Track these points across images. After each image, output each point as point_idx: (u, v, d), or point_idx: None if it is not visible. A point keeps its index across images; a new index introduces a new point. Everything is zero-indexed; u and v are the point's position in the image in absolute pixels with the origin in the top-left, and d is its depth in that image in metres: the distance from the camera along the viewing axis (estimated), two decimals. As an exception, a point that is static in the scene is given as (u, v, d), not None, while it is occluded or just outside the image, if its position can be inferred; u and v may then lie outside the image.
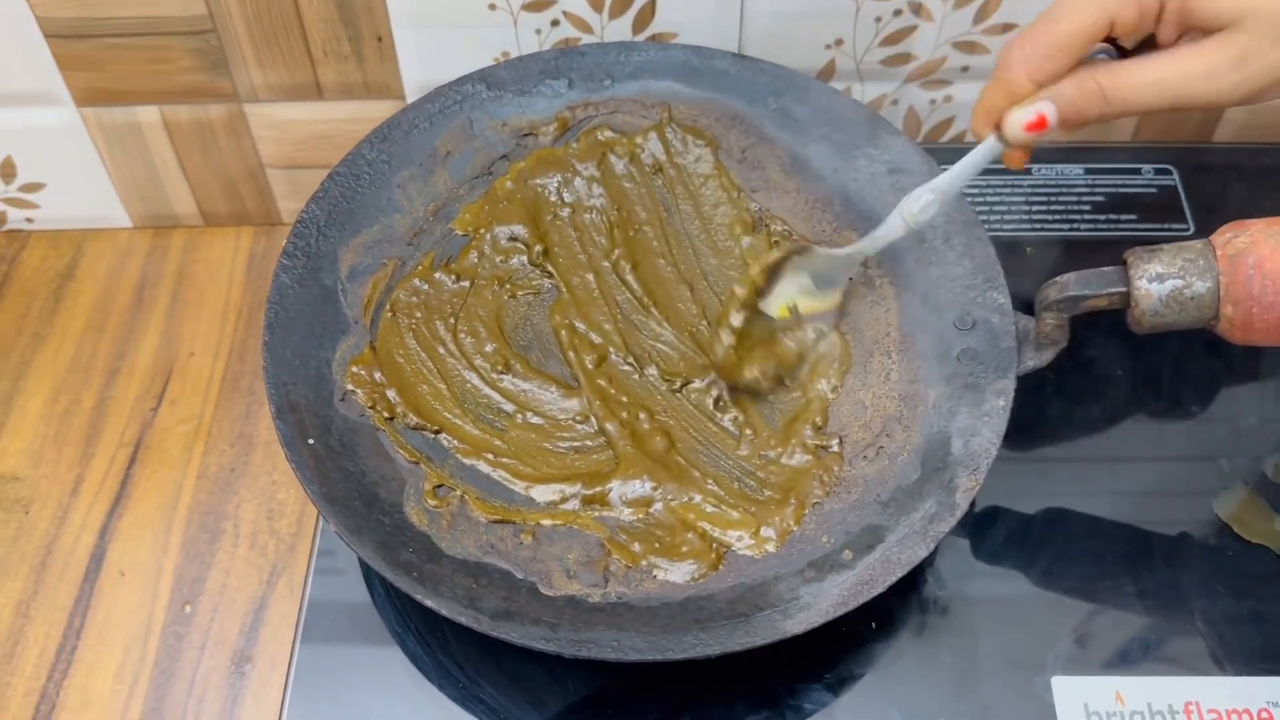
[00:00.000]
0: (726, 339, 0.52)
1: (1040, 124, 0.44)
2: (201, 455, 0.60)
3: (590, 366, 0.55)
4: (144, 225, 0.70)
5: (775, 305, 0.53)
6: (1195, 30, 0.43)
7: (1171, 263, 0.47)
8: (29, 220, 0.69)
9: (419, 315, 0.56)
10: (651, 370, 0.55)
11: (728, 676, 0.49)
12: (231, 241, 0.69)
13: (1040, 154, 0.67)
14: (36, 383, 0.63)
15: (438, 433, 0.53)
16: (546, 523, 0.50)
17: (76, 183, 0.67)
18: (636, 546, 0.50)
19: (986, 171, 0.65)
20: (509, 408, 0.54)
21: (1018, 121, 0.45)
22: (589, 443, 0.53)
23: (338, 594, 0.52)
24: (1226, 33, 0.42)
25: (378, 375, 0.53)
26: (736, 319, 0.52)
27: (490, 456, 0.52)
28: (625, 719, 0.49)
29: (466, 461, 0.52)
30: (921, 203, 0.50)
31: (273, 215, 0.70)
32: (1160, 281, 0.47)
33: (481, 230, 0.58)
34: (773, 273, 0.53)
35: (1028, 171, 0.66)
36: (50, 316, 0.66)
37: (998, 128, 0.46)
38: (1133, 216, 0.64)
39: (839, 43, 0.63)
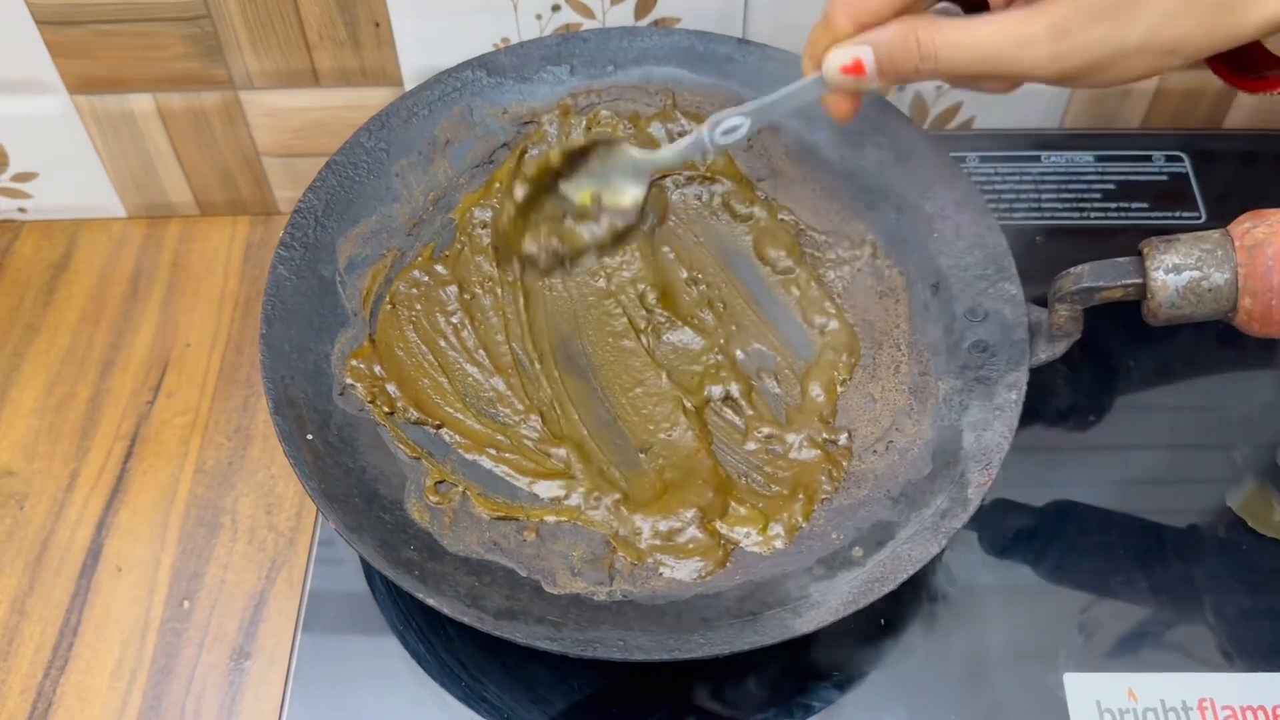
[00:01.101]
0: (509, 207, 0.50)
1: (856, 68, 0.43)
2: (199, 449, 0.59)
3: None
4: (139, 215, 0.69)
5: (577, 191, 0.50)
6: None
7: (1188, 253, 0.46)
8: (22, 210, 0.69)
9: (419, 307, 0.55)
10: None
11: (735, 673, 0.48)
12: (228, 231, 0.68)
13: (1050, 141, 0.66)
14: (30, 375, 0.62)
15: (439, 427, 0.52)
16: (550, 519, 0.50)
17: (70, 172, 0.66)
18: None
19: (996, 159, 0.65)
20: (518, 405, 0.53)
21: (834, 62, 0.44)
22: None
23: (338, 587, 0.52)
24: (1047, 2, 0.41)
25: (377, 369, 0.53)
26: (520, 191, 0.49)
27: (493, 452, 0.52)
28: (630, 718, 0.48)
29: (468, 457, 0.52)
30: (728, 124, 0.47)
31: (269, 204, 0.69)
32: (1177, 273, 0.46)
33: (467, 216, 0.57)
34: (577, 159, 0.50)
35: (1037, 159, 0.65)
36: (44, 308, 0.65)
37: (819, 63, 0.45)
38: (1144, 204, 0.64)
39: (845, 27, 0.62)
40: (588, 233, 0.50)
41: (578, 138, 0.52)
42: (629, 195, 0.50)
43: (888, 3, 0.43)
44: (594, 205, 0.50)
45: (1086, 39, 0.41)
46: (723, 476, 0.51)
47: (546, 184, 0.50)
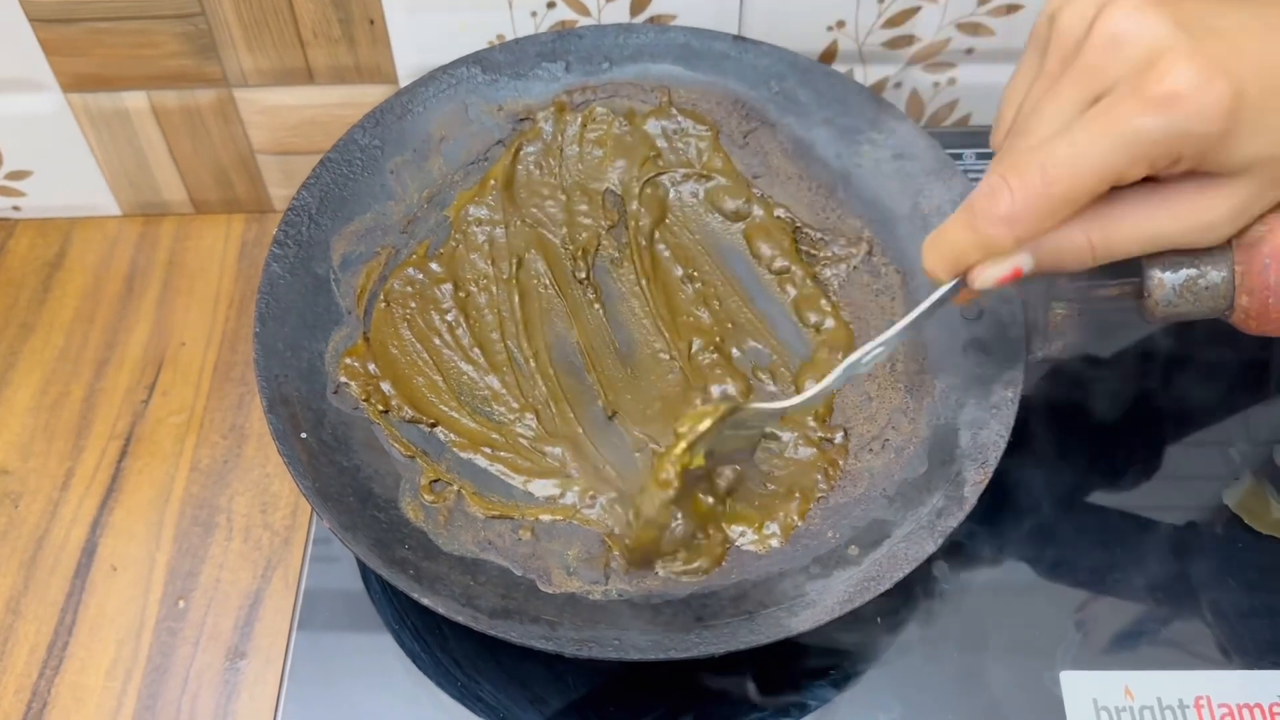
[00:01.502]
0: (648, 531, 0.46)
1: (1015, 277, 0.40)
2: (194, 447, 0.59)
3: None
4: (133, 213, 0.69)
5: (693, 456, 0.45)
6: (1200, 173, 0.40)
7: (1185, 251, 0.46)
8: (16, 208, 0.68)
9: (414, 305, 0.55)
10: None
11: (731, 672, 0.48)
12: (222, 229, 0.68)
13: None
14: (25, 374, 0.62)
15: (434, 426, 0.52)
16: (546, 518, 0.50)
17: (64, 170, 0.66)
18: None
19: (991, 157, 0.65)
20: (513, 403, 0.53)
21: (992, 276, 0.40)
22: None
23: (333, 586, 0.52)
24: (1232, 181, 0.40)
25: (372, 367, 0.52)
26: (663, 514, 0.45)
27: (488, 450, 0.51)
28: (627, 716, 0.48)
29: (463, 455, 0.51)
30: (870, 357, 0.45)
31: (264, 202, 0.69)
32: (1174, 270, 0.46)
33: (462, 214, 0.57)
34: (701, 441, 0.45)
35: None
36: (38, 306, 0.65)
37: (959, 275, 0.41)
38: (1141, 201, 0.63)
39: (841, 24, 0.62)
40: (708, 495, 0.49)
41: (702, 425, 0.44)
42: (747, 439, 0.48)
43: (1063, 221, 0.39)
44: (709, 460, 0.46)
45: (1263, 205, 0.40)
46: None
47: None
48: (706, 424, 0.44)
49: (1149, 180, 0.40)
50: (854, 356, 0.44)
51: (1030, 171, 0.38)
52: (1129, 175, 0.39)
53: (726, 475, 0.49)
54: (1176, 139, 0.37)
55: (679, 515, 0.47)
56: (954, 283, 0.42)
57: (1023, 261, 0.40)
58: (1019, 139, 0.41)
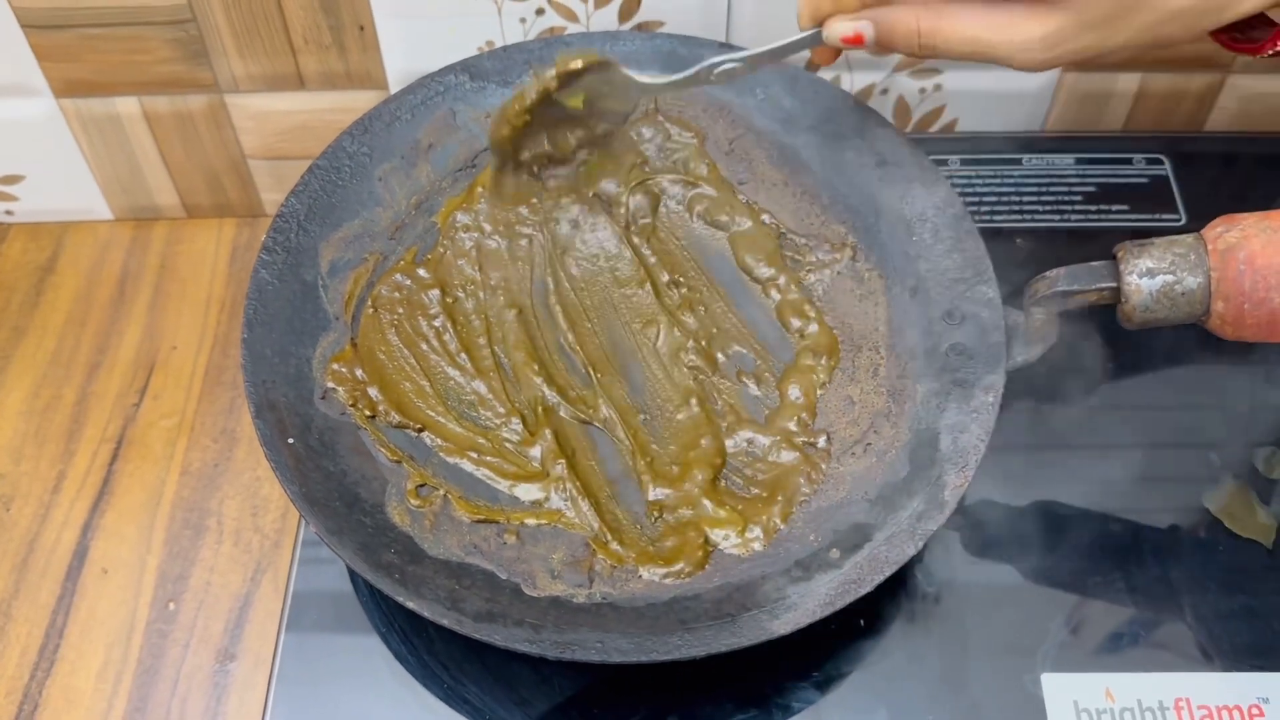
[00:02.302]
0: (509, 117, 0.53)
1: (856, 39, 0.46)
2: (184, 451, 0.59)
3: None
4: (125, 217, 0.69)
5: (570, 97, 0.53)
6: None
7: (1162, 257, 0.46)
8: (8, 213, 0.69)
9: (401, 311, 0.55)
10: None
11: (715, 675, 0.48)
12: (214, 233, 0.69)
13: (1031, 144, 0.67)
14: (17, 377, 0.62)
15: (420, 431, 0.52)
16: (531, 522, 0.50)
17: (56, 175, 0.66)
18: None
19: (977, 163, 0.66)
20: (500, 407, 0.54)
21: (836, 31, 0.47)
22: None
23: (322, 589, 0.52)
24: (1054, 9, 0.43)
25: (359, 372, 0.53)
26: (518, 117, 0.53)
27: (474, 455, 0.52)
28: (611, 719, 0.48)
29: (450, 460, 0.52)
30: (725, 67, 0.50)
31: (255, 207, 0.69)
32: (1151, 277, 0.46)
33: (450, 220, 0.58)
34: (573, 78, 0.53)
35: (1018, 162, 0.66)
36: (30, 310, 0.65)
37: (819, 22, 0.47)
38: (1124, 207, 0.64)
39: (828, 31, 0.62)
40: (573, 136, 0.55)
41: (573, 61, 0.52)
42: (618, 103, 0.54)
43: None
44: (585, 108, 0.54)
45: (1077, 44, 0.44)
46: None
47: (544, 99, 0.53)
48: (577, 63, 0.52)
49: None
50: (715, 59, 0.50)
51: None
52: None
53: (596, 125, 0.56)
54: None
55: (545, 140, 0.55)
56: (812, 31, 0.48)
57: (864, 28, 0.46)
58: None
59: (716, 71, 0.50)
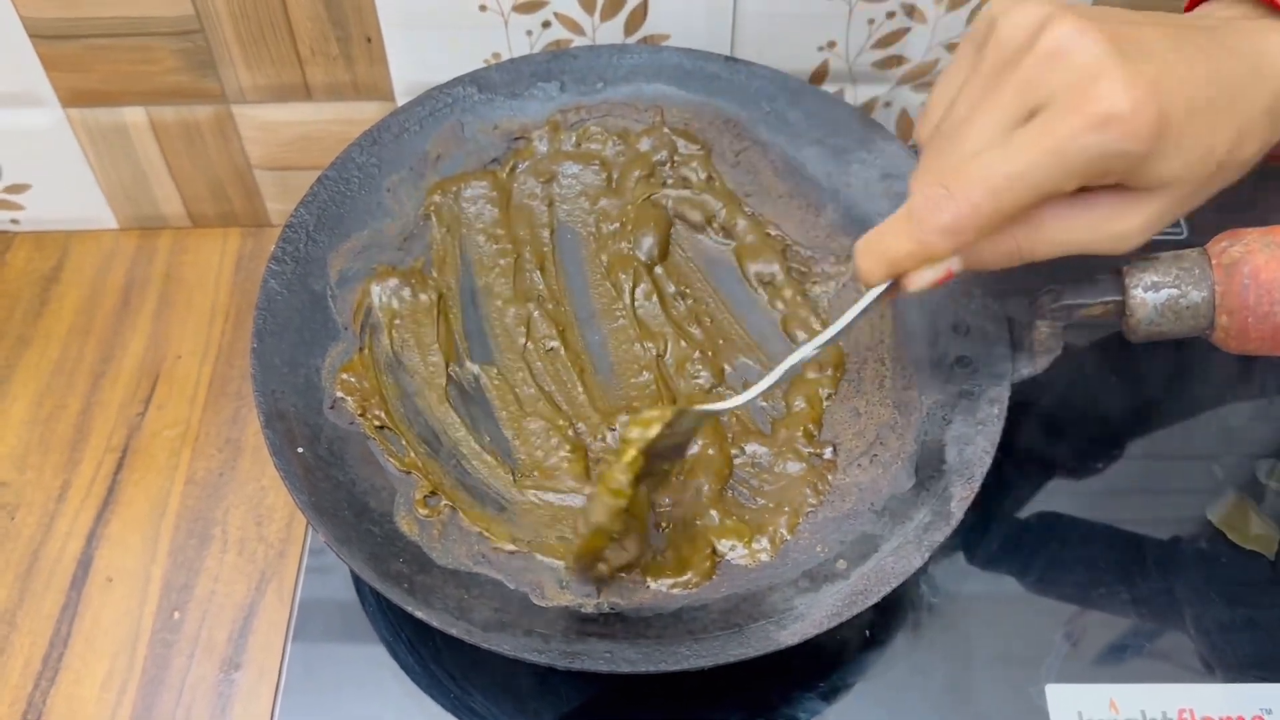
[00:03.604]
0: (595, 540, 0.46)
1: (947, 279, 0.42)
2: (189, 460, 0.59)
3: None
4: (130, 226, 0.69)
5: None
6: (1120, 187, 0.41)
7: (1167, 272, 0.47)
8: (14, 221, 0.69)
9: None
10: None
11: (721, 684, 0.48)
12: (219, 243, 0.69)
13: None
14: (21, 386, 0.62)
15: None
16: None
17: (62, 184, 0.67)
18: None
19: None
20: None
21: (927, 280, 0.42)
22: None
23: (328, 598, 0.52)
24: (1150, 196, 0.41)
25: (368, 382, 0.53)
26: (613, 521, 0.45)
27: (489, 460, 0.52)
28: (618, 729, 0.48)
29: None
30: (800, 359, 0.46)
31: (261, 217, 0.69)
32: (1155, 290, 0.47)
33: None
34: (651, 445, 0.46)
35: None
36: (35, 319, 0.65)
37: (892, 278, 0.43)
38: (1126, 220, 0.64)
39: (832, 45, 0.63)
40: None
41: (651, 431, 0.45)
42: (683, 437, 0.48)
43: (998, 230, 0.41)
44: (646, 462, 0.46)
45: (1175, 217, 0.42)
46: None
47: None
48: (655, 430, 0.45)
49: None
50: (789, 361, 0.45)
51: (973, 185, 0.40)
52: (1063, 189, 0.40)
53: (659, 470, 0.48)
54: (1111, 157, 0.39)
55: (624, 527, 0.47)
56: (887, 285, 0.43)
57: (954, 264, 0.42)
58: (950, 142, 0.41)
59: (796, 369, 0.46)
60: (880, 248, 0.42)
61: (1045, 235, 0.42)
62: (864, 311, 0.44)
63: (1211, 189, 0.42)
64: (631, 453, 0.44)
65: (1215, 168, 0.41)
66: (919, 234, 0.41)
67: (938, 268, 0.41)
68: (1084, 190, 0.41)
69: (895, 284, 0.43)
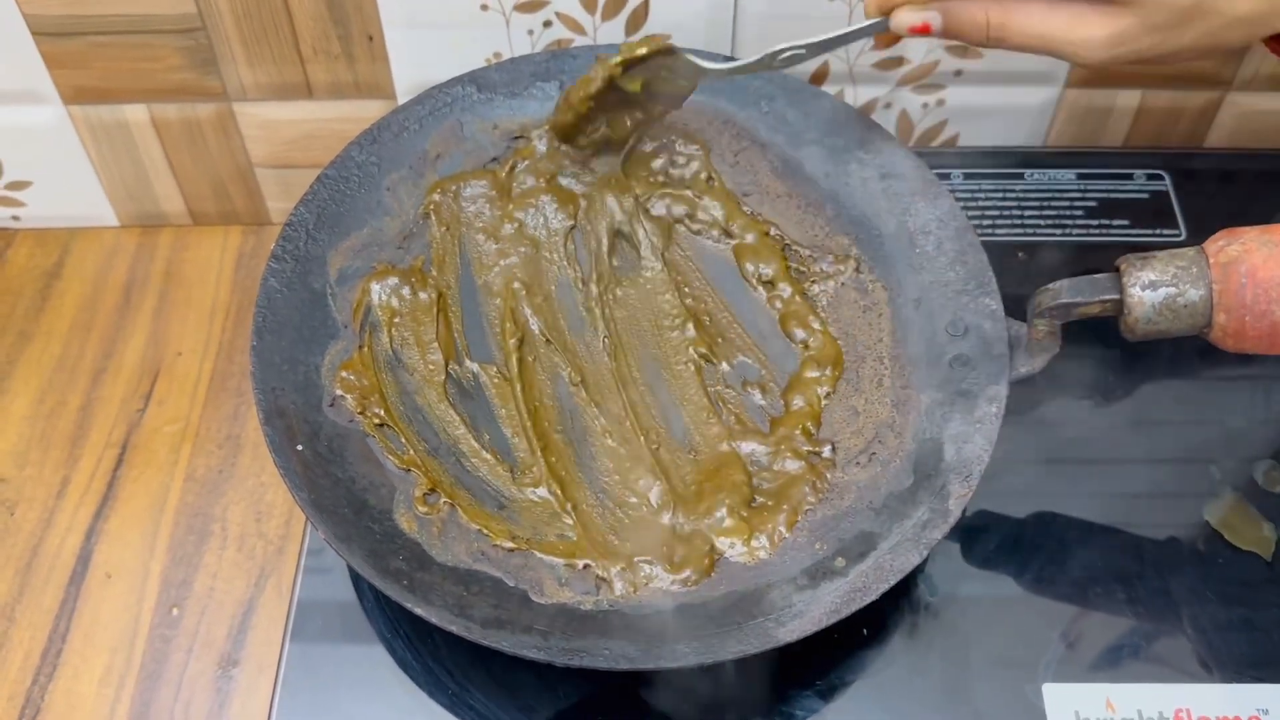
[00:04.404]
0: (566, 113, 0.56)
1: (924, 29, 0.47)
2: (189, 457, 0.59)
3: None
4: (131, 224, 0.69)
5: (630, 82, 0.55)
6: None
7: (1164, 270, 0.47)
8: (15, 218, 0.69)
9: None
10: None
11: (719, 682, 0.48)
12: (220, 240, 0.69)
13: (1032, 159, 0.67)
14: (22, 383, 0.62)
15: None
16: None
17: (64, 181, 0.67)
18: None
19: (980, 177, 0.66)
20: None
21: (904, 20, 0.47)
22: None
23: (326, 595, 0.52)
24: (1121, 9, 0.45)
25: (367, 380, 0.53)
26: (583, 103, 0.55)
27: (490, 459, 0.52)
28: (616, 726, 0.49)
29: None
30: (789, 53, 0.51)
31: (261, 215, 0.69)
32: (1153, 289, 0.47)
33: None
34: (636, 64, 0.54)
35: (1020, 176, 0.66)
36: (36, 315, 0.65)
37: (886, 12, 0.48)
38: (1125, 221, 0.64)
39: (832, 45, 0.63)
40: (630, 118, 0.57)
41: (637, 49, 0.53)
42: (677, 86, 0.55)
43: None
44: (643, 92, 0.55)
45: (1139, 45, 0.45)
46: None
47: (609, 86, 0.54)
48: (642, 50, 0.53)
49: None
50: (779, 46, 0.51)
51: None
52: None
53: (654, 112, 0.57)
54: None
55: (604, 123, 0.57)
56: (878, 20, 0.49)
57: (932, 18, 0.47)
58: None
59: (780, 58, 0.51)
60: None
61: (1017, 18, 0.46)
62: (855, 34, 0.50)
63: (1184, 36, 0.45)
64: (617, 58, 0.53)
65: (1191, 3, 0.44)
66: None
67: (918, 13, 0.47)
68: None
69: (885, 30, 0.49)
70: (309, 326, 0.53)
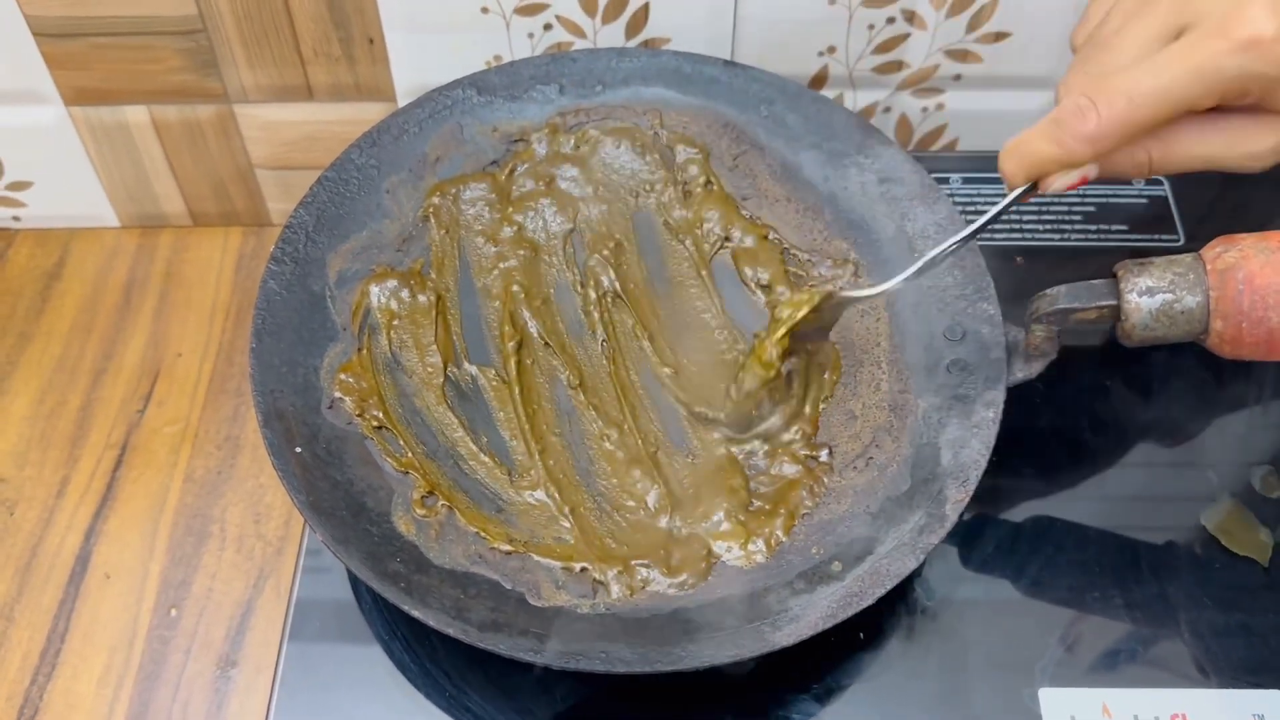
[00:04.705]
0: (748, 403, 0.52)
1: (1082, 183, 0.45)
2: (188, 458, 0.60)
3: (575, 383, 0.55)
4: (132, 225, 0.70)
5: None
6: (1256, 108, 0.44)
7: (1161, 276, 0.47)
8: (16, 219, 0.69)
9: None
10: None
11: (716, 686, 0.49)
12: (220, 241, 0.69)
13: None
14: (22, 383, 0.63)
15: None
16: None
17: (64, 182, 0.67)
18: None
19: (978, 181, 0.66)
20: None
21: (1064, 183, 0.45)
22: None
23: (325, 597, 0.52)
24: (1275, 117, 0.43)
25: (365, 383, 0.53)
26: (753, 384, 0.52)
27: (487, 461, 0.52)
28: (612, 729, 0.49)
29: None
30: (951, 251, 0.49)
31: (262, 216, 0.69)
32: (1150, 295, 0.47)
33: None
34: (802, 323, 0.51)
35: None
36: (37, 316, 0.65)
37: (1033, 180, 0.45)
38: (1123, 227, 0.64)
39: (831, 50, 0.63)
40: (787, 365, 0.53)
41: (801, 311, 0.50)
42: (828, 320, 0.53)
43: (1137, 140, 0.44)
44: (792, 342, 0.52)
45: None
46: None
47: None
48: (804, 311, 0.50)
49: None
50: (934, 251, 0.49)
51: (1117, 97, 0.42)
52: (1201, 105, 0.43)
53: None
54: (1251, 79, 0.41)
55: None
56: (1026, 187, 0.46)
57: (1090, 171, 0.44)
58: (1100, 51, 0.45)
59: (943, 261, 0.49)
60: (1024, 151, 0.45)
61: (1179, 149, 0.44)
62: (1006, 209, 0.47)
63: None
64: (781, 330, 0.50)
65: None
66: (1063, 140, 0.44)
67: (1075, 172, 0.44)
68: (1219, 109, 0.43)
69: (1034, 185, 0.46)
70: (308, 329, 0.53)
